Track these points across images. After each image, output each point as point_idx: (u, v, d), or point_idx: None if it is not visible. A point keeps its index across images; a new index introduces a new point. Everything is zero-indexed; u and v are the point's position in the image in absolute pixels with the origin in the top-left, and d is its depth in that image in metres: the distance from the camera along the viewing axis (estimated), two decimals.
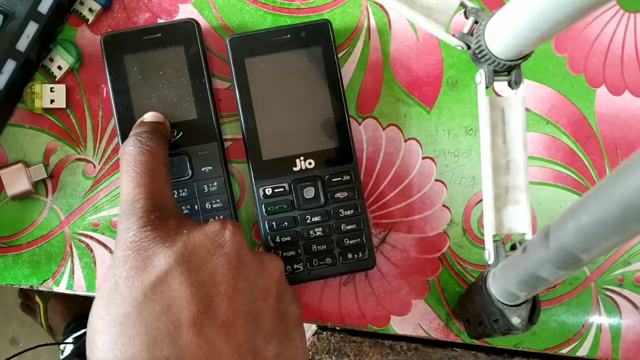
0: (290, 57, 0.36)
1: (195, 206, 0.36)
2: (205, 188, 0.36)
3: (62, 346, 0.89)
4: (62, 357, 0.88)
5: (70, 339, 0.87)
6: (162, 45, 0.36)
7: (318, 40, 0.36)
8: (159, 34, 0.36)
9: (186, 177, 0.36)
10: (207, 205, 0.36)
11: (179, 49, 0.36)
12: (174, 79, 0.36)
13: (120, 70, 0.36)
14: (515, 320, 0.29)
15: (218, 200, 0.36)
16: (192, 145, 0.36)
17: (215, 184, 0.36)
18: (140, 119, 0.34)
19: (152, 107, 0.36)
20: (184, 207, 0.36)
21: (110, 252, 0.38)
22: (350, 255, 0.36)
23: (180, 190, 0.36)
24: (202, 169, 0.36)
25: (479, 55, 0.31)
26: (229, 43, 0.36)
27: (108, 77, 0.36)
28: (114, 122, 0.38)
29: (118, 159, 0.38)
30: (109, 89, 0.36)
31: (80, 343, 0.86)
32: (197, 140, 0.36)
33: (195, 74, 0.36)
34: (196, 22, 0.36)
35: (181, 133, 0.36)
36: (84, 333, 0.87)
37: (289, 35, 0.36)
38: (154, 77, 0.36)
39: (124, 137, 0.35)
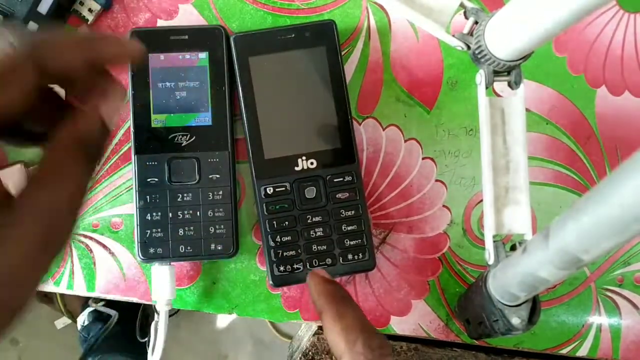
0: (294, 56, 0.36)
1: (198, 212, 0.36)
2: (210, 195, 0.36)
3: (80, 320, 0.89)
4: (83, 325, 0.88)
5: (89, 309, 0.88)
6: (188, 48, 0.36)
7: (322, 40, 0.36)
8: (186, 36, 0.36)
9: (193, 182, 0.36)
10: (209, 213, 0.36)
11: (204, 53, 0.36)
12: (195, 82, 0.36)
13: (143, 66, 0.36)
14: (515, 321, 0.29)
15: (221, 210, 0.36)
16: (203, 151, 0.36)
17: (221, 192, 0.36)
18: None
19: (170, 107, 0.36)
20: (185, 212, 0.36)
21: (110, 252, 0.38)
22: (350, 256, 0.36)
23: (185, 195, 0.36)
24: (210, 176, 0.36)
25: (479, 56, 0.31)
26: (233, 41, 0.36)
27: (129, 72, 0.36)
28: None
29: (118, 159, 0.38)
30: (128, 84, 0.36)
31: (99, 307, 0.87)
32: (209, 146, 0.36)
33: (217, 82, 0.36)
34: (224, 29, 0.36)
35: (194, 137, 0.36)
36: (102, 300, 0.87)
37: (293, 35, 0.36)
38: (175, 78, 0.36)
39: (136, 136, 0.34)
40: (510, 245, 0.32)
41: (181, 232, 0.35)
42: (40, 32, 0.20)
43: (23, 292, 0.17)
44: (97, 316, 0.87)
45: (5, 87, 0.18)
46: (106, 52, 0.21)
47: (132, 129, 0.36)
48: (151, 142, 0.36)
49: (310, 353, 0.39)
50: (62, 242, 0.18)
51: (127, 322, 0.85)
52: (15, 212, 0.16)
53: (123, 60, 0.22)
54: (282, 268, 0.36)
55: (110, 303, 0.87)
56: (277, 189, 0.36)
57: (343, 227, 0.36)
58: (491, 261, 0.31)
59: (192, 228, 0.36)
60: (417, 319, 0.38)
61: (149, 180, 0.36)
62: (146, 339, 0.37)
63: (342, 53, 0.38)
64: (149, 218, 0.35)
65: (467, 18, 0.31)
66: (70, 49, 0.20)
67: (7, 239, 0.16)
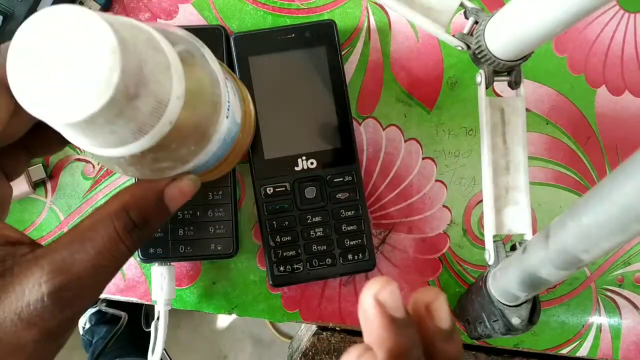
0: (294, 56, 0.36)
1: (198, 212, 0.36)
2: (210, 195, 0.36)
3: (81, 322, 0.88)
4: (85, 328, 0.87)
5: (91, 310, 0.87)
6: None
7: (322, 40, 0.36)
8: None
9: None
10: (209, 213, 0.36)
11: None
12: None
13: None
14: (516, 321, 0.29)
15: (221, 210, 0.36)
16: None
17: (221, 192, 0.36)
18: None
19: None
20: (185, 212, 0.36)
21: None
22: (350, 256, 0.36)
23: None
24: None
25: (479, 56, 0.31)
26: (233, 41, 0.36)
27: None
28: None
29: None
30: None
31: (103, 308, 0.86)
32: None
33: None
34: (224, 29, 0.36)
35: None
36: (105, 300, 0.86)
37: (293, 35, 0.36)
38: None
39: None
40: (510, 245, 0.32)
41: (181, 232, 0.35)
42: None
43: None
44: (100, 318, 0.86)
45: None
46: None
47: None
48: None
49: (310, 353, 0.39)
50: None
51: (133, 323, 0.84)
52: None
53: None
54: (282, 268, 0.36)
55: (113, 304, 0.86)
56: (277, 189, 0.36)
57: (343, 227, 0.36)
58: (491, 261, 0.31)
59: (192, 228, 0.36)
60: None
61: None
62: (150, 328, 0.37)
63: (342, 53, 0.38)
64: None
65: (467, 18, 0.31)
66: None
67: None
